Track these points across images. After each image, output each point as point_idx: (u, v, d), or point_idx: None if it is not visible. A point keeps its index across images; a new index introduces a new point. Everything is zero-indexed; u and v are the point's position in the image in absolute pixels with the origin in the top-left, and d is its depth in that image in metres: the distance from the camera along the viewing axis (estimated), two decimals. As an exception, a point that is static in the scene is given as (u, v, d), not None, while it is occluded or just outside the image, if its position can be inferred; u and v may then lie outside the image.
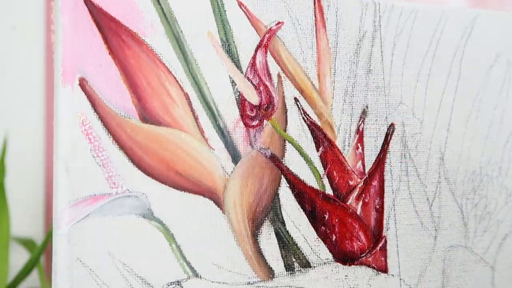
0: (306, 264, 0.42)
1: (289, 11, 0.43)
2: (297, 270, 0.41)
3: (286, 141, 0.42)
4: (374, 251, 0.43)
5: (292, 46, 0.43)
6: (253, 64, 0.41)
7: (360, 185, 0.43)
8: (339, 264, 0.42)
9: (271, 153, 0.41)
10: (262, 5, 0.42)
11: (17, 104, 0.72)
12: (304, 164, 0.42)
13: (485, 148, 0.49)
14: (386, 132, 0.45)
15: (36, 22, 0.73)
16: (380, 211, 0.44)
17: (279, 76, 0.42)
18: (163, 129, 0.39)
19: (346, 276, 0.42)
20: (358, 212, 0.43)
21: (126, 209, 0.38)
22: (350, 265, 0.43)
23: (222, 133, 0.40)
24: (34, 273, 0.70)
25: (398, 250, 0.44)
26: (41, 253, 0.66)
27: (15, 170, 0.70)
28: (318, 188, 0.42)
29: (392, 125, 0.45)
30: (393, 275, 0.44)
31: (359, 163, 0.44)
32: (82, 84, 0.38)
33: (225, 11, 0.41)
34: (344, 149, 0.43)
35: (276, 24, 0.42)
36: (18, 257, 0.70)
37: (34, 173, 0.73)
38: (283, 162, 0.42)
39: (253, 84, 0.41)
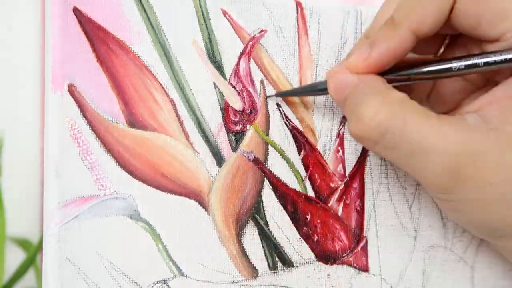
0: (289, 264, 0.43)
1: (272, 19, 0.44)
2: (280, 269, 0.42)
3: (269, 145, 0.43)
4: (355, 251, 0.44)
5: (274, 53, 0.44)
6: (236, 71, 0.42)
7: (341, 187, 0.44)
8: (321, 263, 0.43)
9: (254, 157, 0.42)
10: (246, 14, 0.43)
11: (13, 104, 0.72)
12: (286, 167, 0.43)
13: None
14: (367, 136, 0.46)
15: (32, 23, 0.73)
16: (360, 212, 0.45)
17: (262, 82, 0.43)
18: (149, 134, 0.40)
19: (328, 275, 0.43)
20: (339, 214, 0.44)
21: (113, 210, 0.39)
22: (332, 264, 0.43)
23: (207, 137, 0.41)
24: (30, 272, 0.70)
25: (379, 250, 0.45)
26: (37, 253, 0.66)
27: (11, 170, 0.70)
28: (300, 190, 0.43)
29: (373, 129, 0.46)
30: (374, 274, 0.44)
31: (340, 166, 0.45)
32: (71, 90, 0.39)
33: (210, 19, 0.42)
34: (325, 153, 0.44)
35: (260, 32, 0.43)
36: (14, 257, 0.69)
37: (30, 172, 0.72)
38: (266, 165, 0.43)
39: (237, 90, 0.42)
